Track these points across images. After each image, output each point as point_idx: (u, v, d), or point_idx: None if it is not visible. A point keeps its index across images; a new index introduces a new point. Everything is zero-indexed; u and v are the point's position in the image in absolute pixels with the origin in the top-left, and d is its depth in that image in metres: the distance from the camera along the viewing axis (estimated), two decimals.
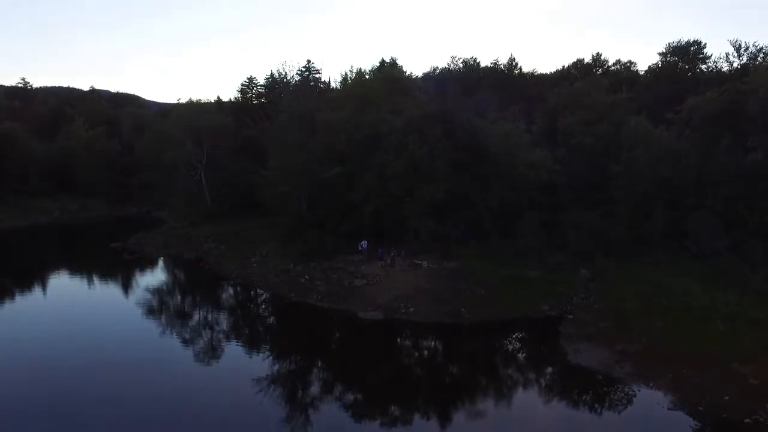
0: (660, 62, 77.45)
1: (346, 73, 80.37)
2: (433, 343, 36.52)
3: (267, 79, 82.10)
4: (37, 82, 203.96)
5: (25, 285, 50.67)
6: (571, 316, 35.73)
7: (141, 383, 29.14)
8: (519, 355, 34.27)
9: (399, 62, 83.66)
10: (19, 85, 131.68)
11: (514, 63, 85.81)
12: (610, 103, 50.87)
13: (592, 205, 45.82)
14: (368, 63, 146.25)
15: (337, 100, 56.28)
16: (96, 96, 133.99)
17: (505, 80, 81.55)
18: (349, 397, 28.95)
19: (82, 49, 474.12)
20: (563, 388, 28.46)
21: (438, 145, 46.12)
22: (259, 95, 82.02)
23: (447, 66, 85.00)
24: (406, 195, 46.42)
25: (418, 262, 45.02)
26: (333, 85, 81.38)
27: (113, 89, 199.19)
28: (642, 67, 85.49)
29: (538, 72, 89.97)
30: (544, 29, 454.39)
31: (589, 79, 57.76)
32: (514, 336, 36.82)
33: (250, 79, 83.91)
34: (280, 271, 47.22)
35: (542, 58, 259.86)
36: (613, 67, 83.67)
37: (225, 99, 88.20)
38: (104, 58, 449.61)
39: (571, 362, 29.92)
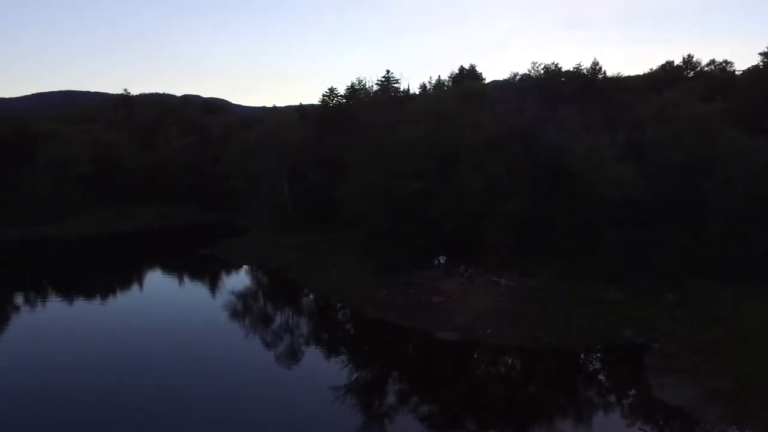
0: (761, 63, 72.17)
1: (425, 84, 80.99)
2: (509, 366, 36.17)
3: (347, 89, 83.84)
4: (137, 90, 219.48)
5: (125, 285, 56.08)
6: (656, 345, 34.23)
7: (219, 380, 31.68)
8: (599, 384, 33.08)
9: (478, 69, 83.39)
10: (123, 93, 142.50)
11: (597, 67, 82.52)
12: (702, 115, 47.99)
13: (681, 223, 43.57)
14: (447, 69, 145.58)
15: (416, 114, 56.68)
16: (188, 104, 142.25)
17: (588, 86, 78.55)
18: (425, 409, 29.59)
19: (178, 56, 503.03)
20: (645, 426, 27.44)
21: (517, 162, 45.53)
22: (340, 106, 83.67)
23: (528, 72, 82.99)
24: (484, 212, 46.15)
25: (496, 279, 44.73)
26: (412, 90, 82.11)
27: (204, 94, 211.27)
28: (739, 66, 79.98)
29: (624, 75, 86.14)
30: (630, 29, 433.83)
31: (678, 87, 54.60)
32: (594, 363, 35.83)
33: (331, 90, 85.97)
34: (358, 285, 48.32)
35: (628, 61, 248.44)
36: (706, 68, 78.84)
37: (306, 103, 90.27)
38: (197, 64, 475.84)
39: (654, 397, 28.74)
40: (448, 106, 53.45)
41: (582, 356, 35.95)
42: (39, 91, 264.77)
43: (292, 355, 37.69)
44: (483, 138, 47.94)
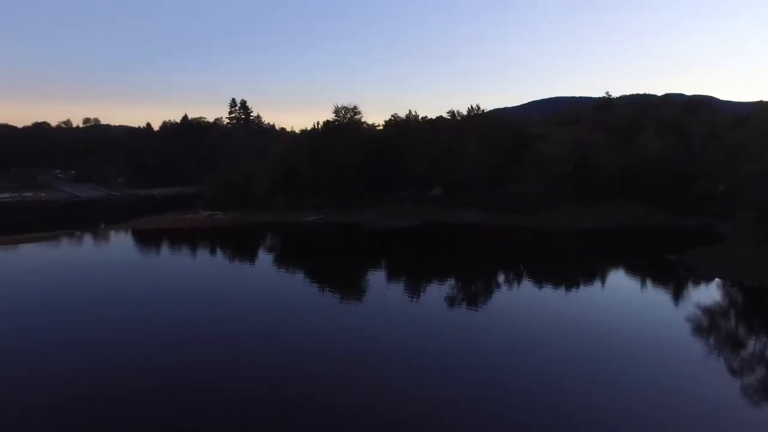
0: None
1: None
2: None
3: None
4: (618, 92, 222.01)
5: (586, 279, 58.73)
6: None
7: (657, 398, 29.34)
8: None
9: None
10: (604, 96, 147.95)
11: None
12: None
13: None
14: None
15: None
16: (668, 103, 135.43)
17: None
18: None
19: (659, 56, 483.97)
20: None
21: None
22: None
23: None
24: None
25: None
26: None
27: (688, 92, 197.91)
28: None
29: None
30: None
31: None
32: None
33: None
34: None
35: None
36: None
37: None
38: (678, 60, 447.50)
39: None
40: None
41: None
42: (533, 99, 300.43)
43: (763, 390, 32.03)
44: None
